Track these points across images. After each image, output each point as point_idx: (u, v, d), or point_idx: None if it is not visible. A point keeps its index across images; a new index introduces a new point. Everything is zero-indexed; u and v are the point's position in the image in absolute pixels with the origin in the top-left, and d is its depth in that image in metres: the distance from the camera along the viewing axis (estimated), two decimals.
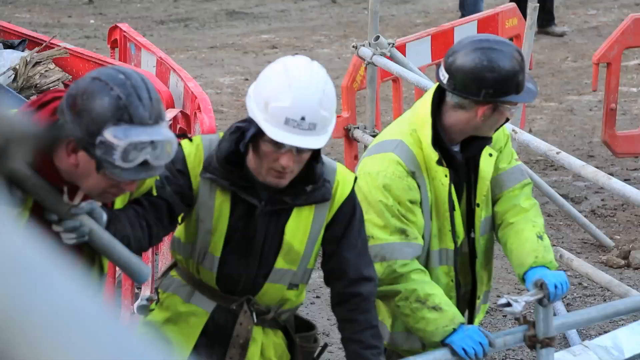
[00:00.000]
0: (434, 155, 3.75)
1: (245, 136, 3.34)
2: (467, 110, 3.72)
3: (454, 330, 3.71)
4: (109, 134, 2.86)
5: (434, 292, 3.75)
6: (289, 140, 3.25)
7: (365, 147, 6.43)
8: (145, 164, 2.89)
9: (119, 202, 3.23)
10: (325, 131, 3.31)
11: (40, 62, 6.30)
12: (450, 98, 3.74)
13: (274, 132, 3.25)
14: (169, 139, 2.91)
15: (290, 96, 3.26)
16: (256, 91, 3.34)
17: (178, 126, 5.36)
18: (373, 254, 3.66)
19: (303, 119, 3.25)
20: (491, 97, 3.68)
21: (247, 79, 9.91)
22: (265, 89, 3.31)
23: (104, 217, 3.05)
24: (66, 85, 5.95)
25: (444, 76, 3.74)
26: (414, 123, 3.80)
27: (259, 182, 3.42)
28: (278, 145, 3.28)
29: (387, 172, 3.74)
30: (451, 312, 3.74)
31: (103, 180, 2.93)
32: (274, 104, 3.26)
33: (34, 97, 3.16)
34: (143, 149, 2.87)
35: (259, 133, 3.29)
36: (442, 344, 3.74)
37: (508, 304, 3.65)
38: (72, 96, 2.92)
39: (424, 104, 3.79)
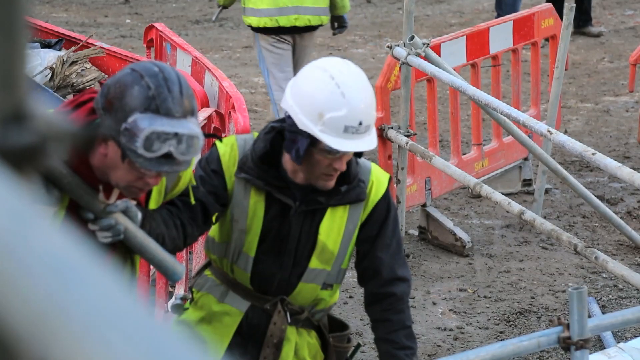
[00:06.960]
0: None
1: (299, 149, 3.31)
2: None
3: None
4: (133, 121, 2.88)
5: None
6: (351, 147, 3.27)
7: (399, 147, 6.43)
8: (169, 157, 2.89)
9: (153, 203, 3.23)
10: (373, 128, 3.35)
11: (77, 61, 6.34)
12: None
13: (335, 142, 3.25)
14: (195, 134, 2.90)
15: (345, 104, 3.27)
16: (301, 102, 3.31)
17: (213, 125, 5.37)
18: None
19: (360, 123, 3.27)
20: None
21: None
22: (316, 100, 3.29)
23: (139, 215, 3.06)
24: (102, 85, 5.98)
25: None
26: None
27: (294, 182, 3.42)
28: (334, 152, 3.29)
29: None
30: None
31: (129, 173, 2.94)
32: (330, 114, 3.27)
33: (70, 97, 3.18)
34: (167, 140, 2.87)
35: (313, 143, 3.30)
36: None
37: None
38: (107, 86, 2.97)
39: None
